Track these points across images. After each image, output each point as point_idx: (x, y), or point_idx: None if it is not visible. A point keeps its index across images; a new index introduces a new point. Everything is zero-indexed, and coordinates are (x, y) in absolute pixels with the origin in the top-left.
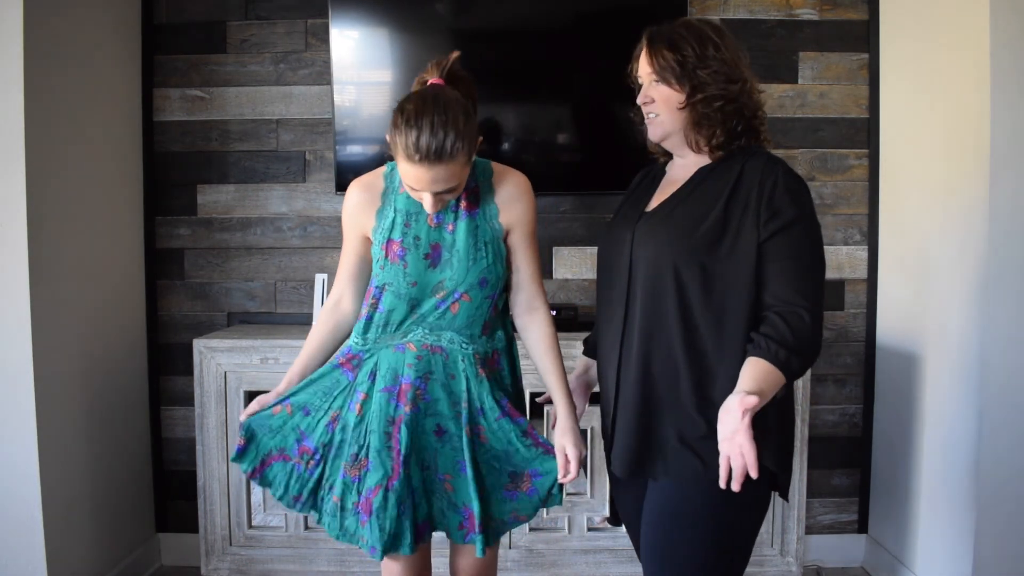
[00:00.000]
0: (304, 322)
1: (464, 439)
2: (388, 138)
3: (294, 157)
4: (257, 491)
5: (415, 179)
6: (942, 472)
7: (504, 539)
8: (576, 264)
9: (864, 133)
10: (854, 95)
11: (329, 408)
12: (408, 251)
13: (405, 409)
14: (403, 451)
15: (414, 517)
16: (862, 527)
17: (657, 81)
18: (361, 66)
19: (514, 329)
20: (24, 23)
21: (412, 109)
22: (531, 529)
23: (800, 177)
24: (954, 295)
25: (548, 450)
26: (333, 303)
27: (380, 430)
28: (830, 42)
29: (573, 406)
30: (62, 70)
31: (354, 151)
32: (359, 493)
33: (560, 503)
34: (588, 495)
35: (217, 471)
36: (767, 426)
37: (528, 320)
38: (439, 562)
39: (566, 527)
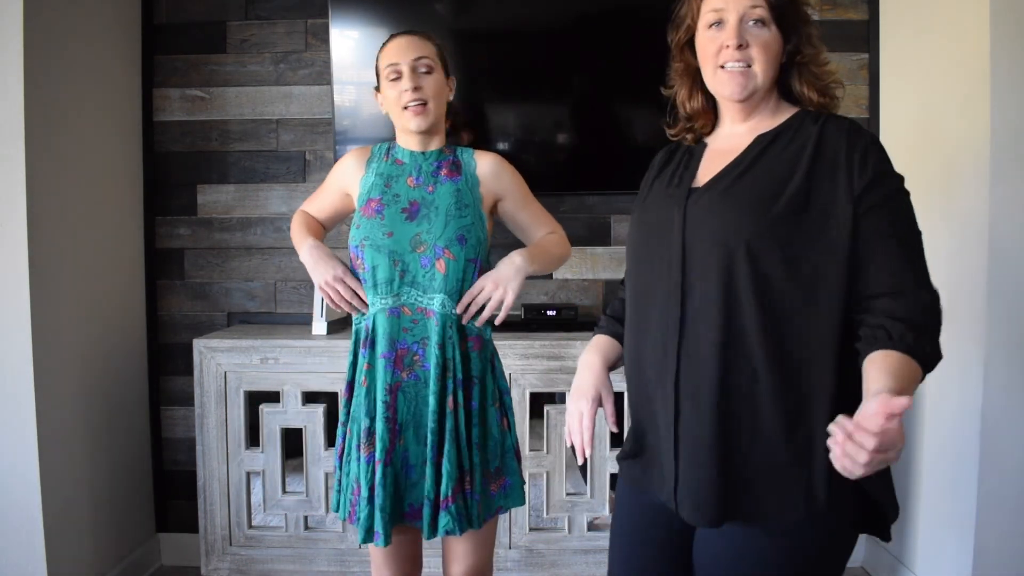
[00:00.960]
0: (304, 322)
1: (446, 417)
2: (375, 68)
3: (294, 157)
4: (257, 491)
5: (393, 51)
6: (942, 472)
7: (504, 539)
8: (576, 264)
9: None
10: (854, 95)
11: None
12: (387, 206)
13: (403, 376)
14: (400, 420)
15: (397, 499)
16: None
17: (758, 23)
18: (361, 66)
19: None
20: (24, 23)
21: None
22: (531, 529)
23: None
24: (954, 295)
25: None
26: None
27: (381, 399)
28: (830, 42)
29: (532, 256)
30: (62, 70)
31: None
32: (372, 473)
33: (519, 504)
34: (588, 495)
35: (217, 471)
36: None
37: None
38: (434, 562)
39: (566, 527)
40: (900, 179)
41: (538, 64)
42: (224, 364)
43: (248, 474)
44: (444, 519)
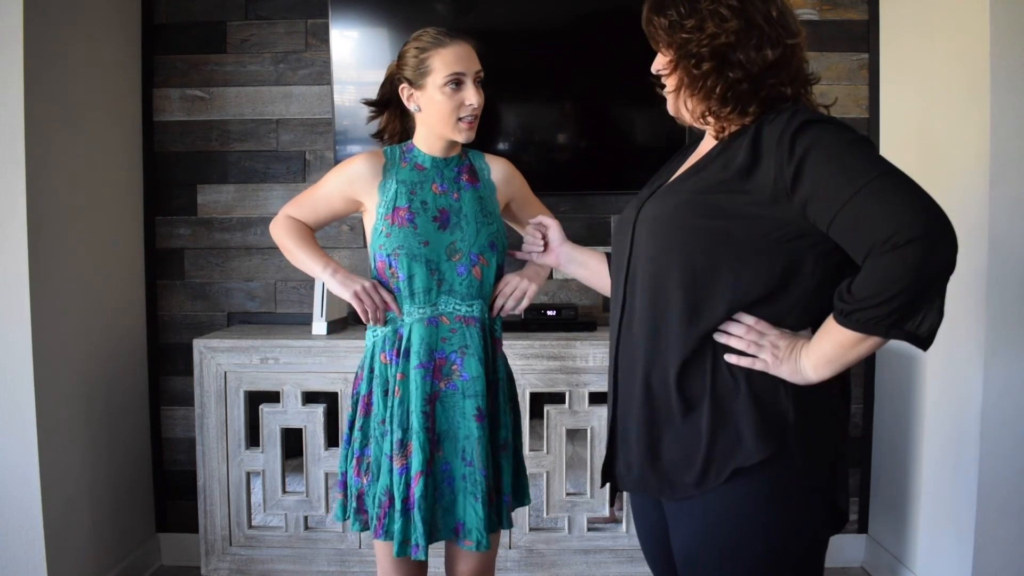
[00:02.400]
0: (304, 322)
1: (498, 423)
2: (412, 61)
3: (294, 157)
4: (257, 491)
5: (456, 59)
6: (942, 472)
7: (504, 539)
8: None
9: (864, 133)
10: (854, 95)
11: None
12: (416, 214)
13: (440, 386)
14: (438, 431)
15: (433, 514)
16: (862, 527)
17: (663, 68)
18: (361, 66)
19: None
20: (24, 23)
21: (428, 30)
22: (531, 529)
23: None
24: (955, 295)
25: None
26: (289, 216)
27: (419, 410)
28: (830, 42)
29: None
30: (62, 70)
31: (354, 151)
32: (408, 485)
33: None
34: (588, 495)
35: (217, 471)
36: (781, 408)
37: None
38: (435, 562)
39: (566, 527)
40: (819, 137)
41: (538, 64)
42: (224, 364)
43: (248, 474)
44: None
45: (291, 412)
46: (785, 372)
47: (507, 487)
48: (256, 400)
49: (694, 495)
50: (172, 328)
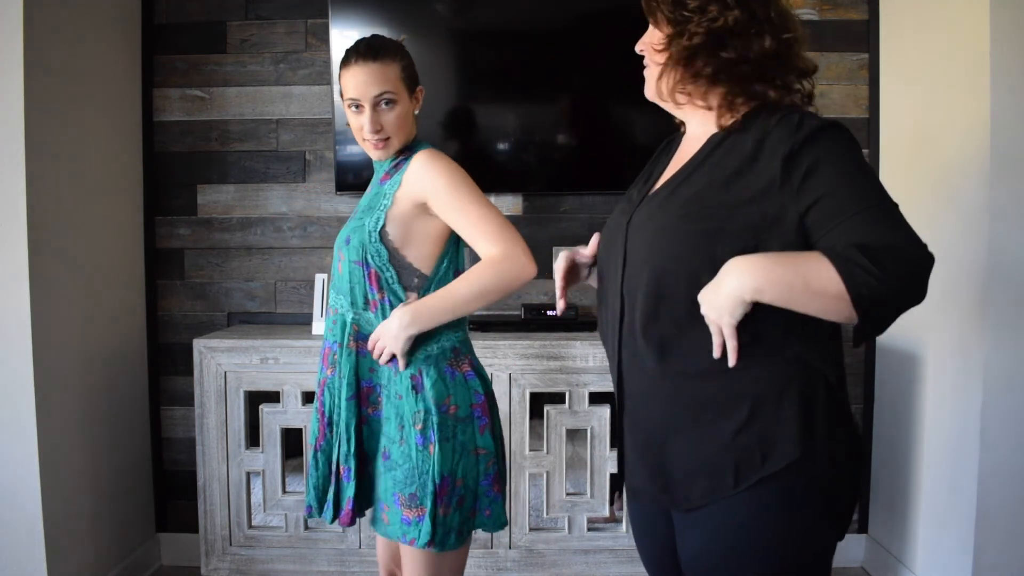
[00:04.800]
0: (304, 322)
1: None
2: (339, 80)
3: (294, 157)
4: (257, 491)
5: (353, 85)
6: (942, 472)
7: (504, 539)
8: None
9: (864, 133)
10: (854, 95)
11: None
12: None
13: (327, 372)
14: (326, 413)
15: (336, 484)
16: (862, 527)
17: (651, 24)
18: None
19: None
20: (24, 23)
21: (356, 43)
22: (531, 529)
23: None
24: (954, 295)
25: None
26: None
27: (317, 395)
28: (830, 42)
29: (420, 312)
30: (62, 70)
31: (354, 151)
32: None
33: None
34: (588, 495)
35: (217, 471)
36: (808, 422)
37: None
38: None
39: (566, 527)
40: (831, 147)
41: (538, 64)
42: (224, 364)
43: (248, 474)
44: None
45: (291, 412)
46: (712, 289)
47: (385, 497)
48: (256, 400)
49: (713, 502)
50: (172, 328)
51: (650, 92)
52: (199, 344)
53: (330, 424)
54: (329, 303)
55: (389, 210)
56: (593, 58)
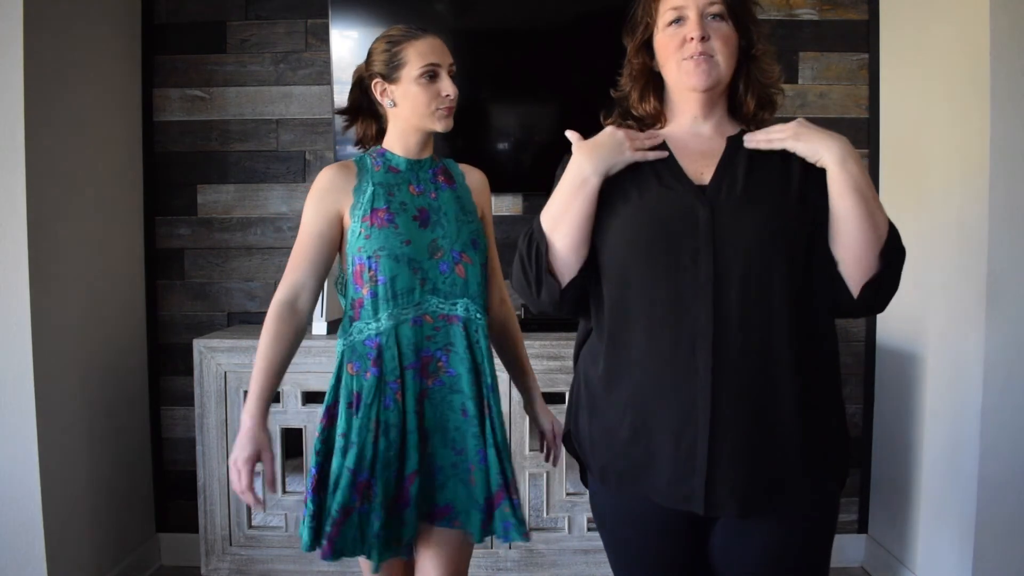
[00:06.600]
0: None
1: (485, 421)
2: (383, 56)
3: (294, 157)
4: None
5: (431, 50)
6: (942, 472)
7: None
8: None
9: (864, 133)
10: (854, 95)
11: (370, 420)
12: (396, 214)
13: (428, 383)
14: (427, 427)
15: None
16: (862, 527)
17: (716, 17)
18: None
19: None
20: (24, 23)
21: (397, 26)
22: (531, 529)
23: None
24: (954, 295)
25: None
26: (288, 302)
27: (411, 410)
28: (830, 42)
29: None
30: (62, 70)
31: (354, 151)
32: (402, 485)
33: (521, 539)
34: (588, 495)
35: (217, 471)
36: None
37: (501, 310)
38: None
39: (566, 527)
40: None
41: (538, 64)
42: (224, 364)
43: None
44: (501, 518)
45: (291, 412)
46: (814, 139)
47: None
48: None
49: (801, 501)
50: (172, 328)
51: (711, 82)
52: (199, 344)
53: (429, 437)
54: (425, 309)
55: (478, 213)
56: (593, 58)
